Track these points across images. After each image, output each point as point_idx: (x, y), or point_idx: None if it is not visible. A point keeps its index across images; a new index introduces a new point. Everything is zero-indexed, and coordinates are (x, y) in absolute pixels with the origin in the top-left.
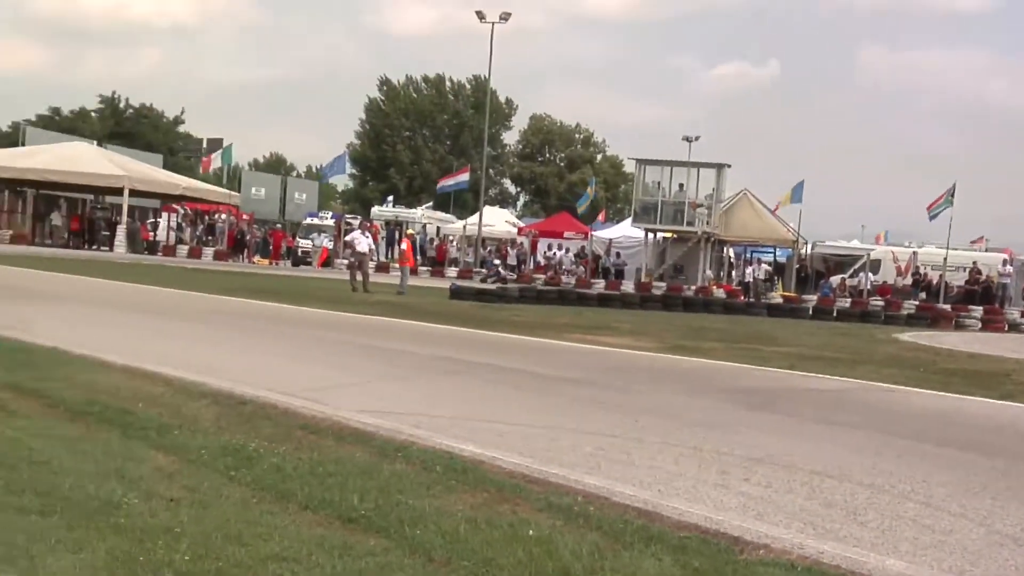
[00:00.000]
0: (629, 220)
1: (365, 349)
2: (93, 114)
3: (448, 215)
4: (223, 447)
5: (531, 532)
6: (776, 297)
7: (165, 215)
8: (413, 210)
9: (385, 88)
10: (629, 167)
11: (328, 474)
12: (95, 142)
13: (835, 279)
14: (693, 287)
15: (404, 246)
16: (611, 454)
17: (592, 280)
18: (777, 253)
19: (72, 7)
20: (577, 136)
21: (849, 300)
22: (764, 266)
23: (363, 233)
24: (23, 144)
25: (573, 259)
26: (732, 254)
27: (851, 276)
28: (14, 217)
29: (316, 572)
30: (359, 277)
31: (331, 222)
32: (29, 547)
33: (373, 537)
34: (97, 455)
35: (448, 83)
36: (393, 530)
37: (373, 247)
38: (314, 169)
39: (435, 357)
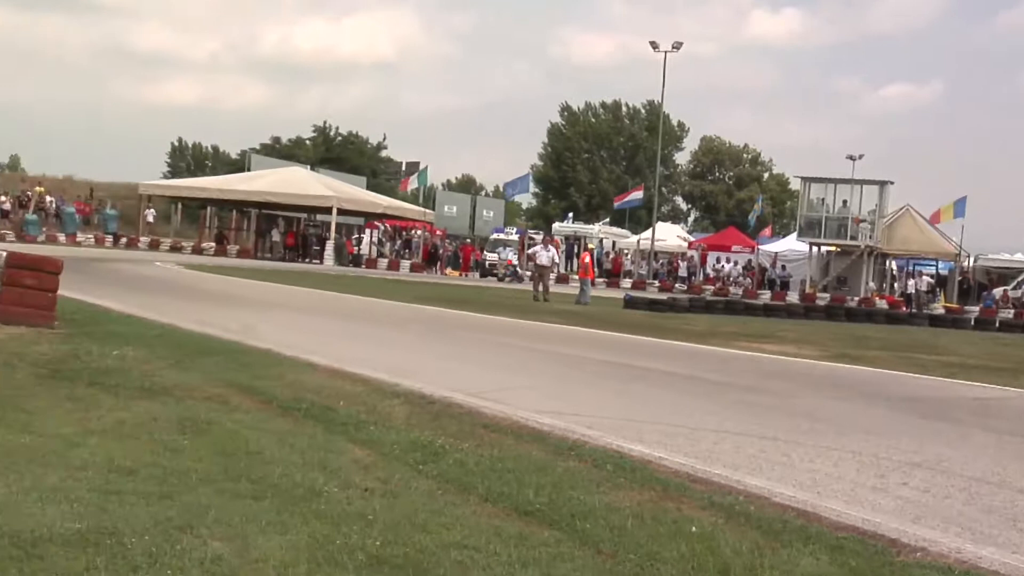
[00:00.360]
0: (794, 234)
1: (545, 354)
2: (308, 142)
3: (623, 230)
4: (413, 442)
5: (694, 528)
6: (939, 308)
7: (368, 231)
8: (591, 226)
9: (566, 113)
10: (795, 185)
11: (506, 470)
12: (309, 166)
13: (998, 291)
14: (856, 298)
15: (585, 259)
16: (772, 456)
17: (759, 291)
18: (939, 266)
19: (291, 50)
20: (745, 156)
21: (1012, 311)
22: (926, 278)
23: (545, 247)
24: (248, 169)
25: (741, 271)
26: (894, 267)
27: (1014, 288)
28: (240, 234)
29: (493, 559)
30: (541, 287)
31: (515, 237)
32: (243, 527)
33: (546, 529)
34: (303, 447)
35: (624, 108)
36: (565, 523)
37: (557, 260)
38: (501, 188)
39: (609, 363)
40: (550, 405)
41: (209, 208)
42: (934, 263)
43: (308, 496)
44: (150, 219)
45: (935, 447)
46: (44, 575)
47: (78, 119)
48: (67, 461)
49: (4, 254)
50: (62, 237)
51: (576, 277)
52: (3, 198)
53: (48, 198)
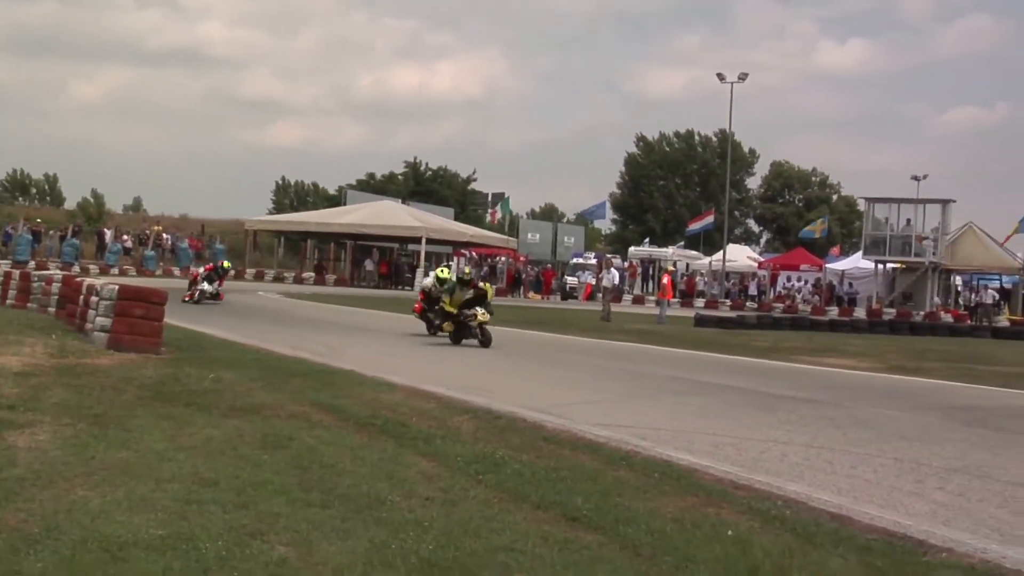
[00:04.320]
0: (860, 253)
1: (610, 371)
2: (399, 176)
3: (696, 252)
4: (476, 455)
5: (730, 532)
6: (1003, 320)
7: (456, 259)
8: (665, 249)
9: (641, 143)
10: (862, 206)
11: (560, 479)
12: (400, 200)
13: None
14: (921, 313)
15: (665, 281)
16: (815, 463)
17: (826, 308)
18: (1004, 280)
19: (386, 90)
20: (814, 179)
21: None
22: (991, 291)
23: (607, 270)
24: (345, 204)
25: (810, 289)
26: (959, 282)
27: None
28: (337, 264)
29: (537, 562)
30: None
31: (594, 261)
32: (309, 534)
33: (591, 533)
34: (373, 460)
35: (696, 136)
36: (608, 528)
37: (615, 282)
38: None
39: (672, 378)
40: (609, 418)
41: (309, 241)
42: (998, 277)
43: (372, 505)
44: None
45: (977, 453)
46: None
47: (193, 162)
48: (157, 474)
49: (116, 287)
50: (177, 271)
51: (655, 298)
52: (125, 237)
53: (164, 235)
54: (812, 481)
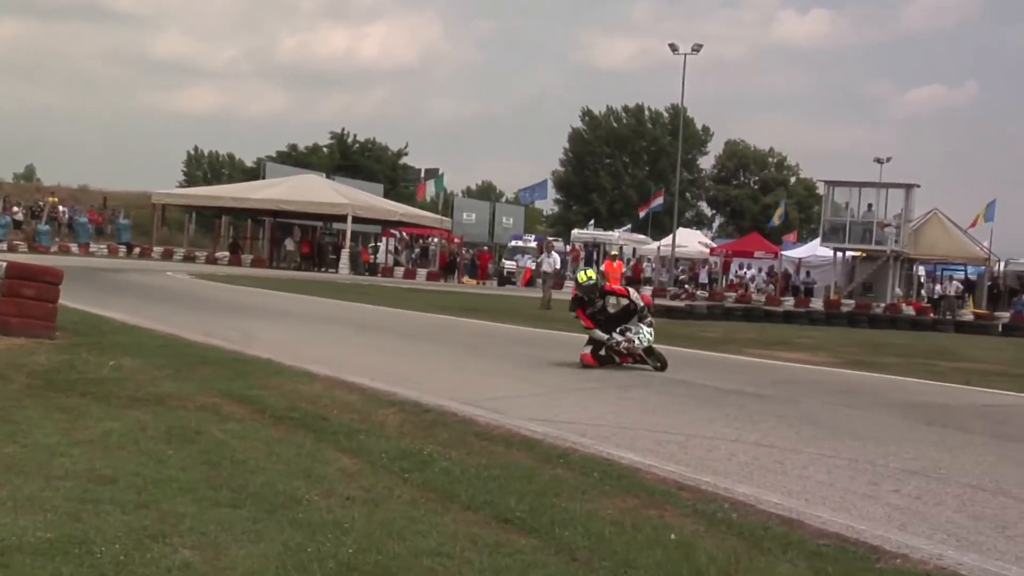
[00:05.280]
0: (818, 240)
1: (548, 363)
2: (324, 149)
3: (644, 236)
4: (402, 451)
5: (673, 536)
6: (967, 314)
7: (384, 239)
8: (610, 232)
9: (587, 118)
10: (822, 190)
11: (492, 477)
12: (324, 174)
13: None
14: (882, 305)
15: (613, 267)
16: (765, 463)
17: (782, 298)
18: (969, 271)
19: (311, 54)
20: (771, 160)
21: None
22: (956, 283)
23: (547, 254)
24: (263, 178)
25: (764, 278)
26: (922, 272)
27: None
28: (255, 243)
29: (466, 567)
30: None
31: (534, 244)
32: (217, 536)
33: (524, 536)
34: (290, 456)
35: (647, 112)
36: (543, 531)
37: (557, 267)
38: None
39: (612, 371)
40: (546, 413)
41: (224, 217)
42: (963, 268)
43: (287, 504)
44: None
45: (935, 454)
46: None
47: (93, 128)
48: (47, 471)
49: (3, 264)
50: (75, 247)
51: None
52: (16, 208)
53: (61, 208)
54: (761, 482)
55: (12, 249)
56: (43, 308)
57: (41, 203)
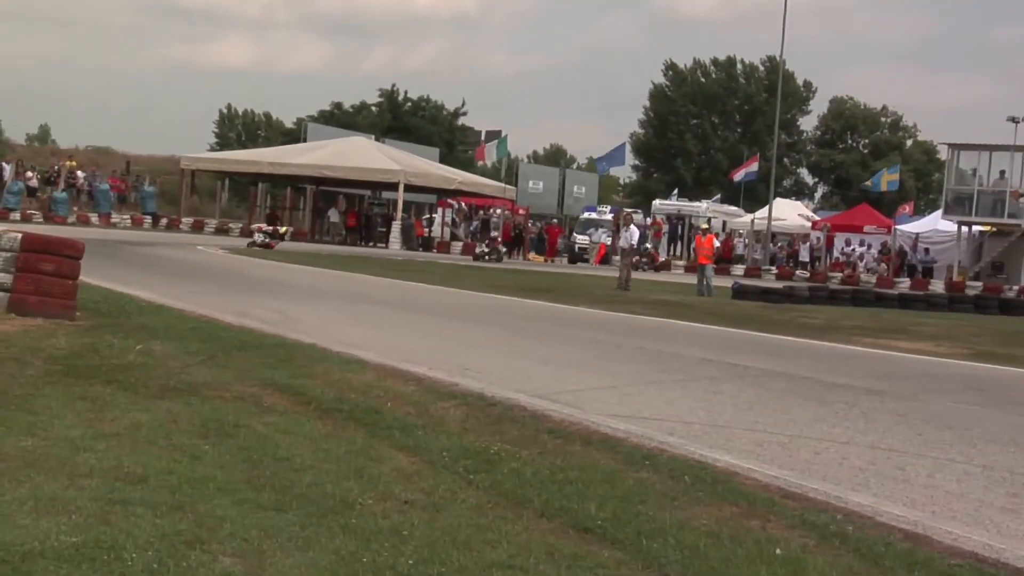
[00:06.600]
0: (939, 212)
1: (632, 351)
2: (372, 108)
3: (736, 208)
4: (465, 449)
5: (778, 551)
6: None
7: (440, 210)
8: (697, 203)
9: (671, 73)
10: (944, 154)
11: (568, 481)
12: (373, 137)
13: None
14: (1015, 288)
15: (705, 242)
16: (883, 469)
17: (896, 279)
18: None
19: (355, 1)
20: (884, 120)
21: None
22: None
23: (626, 228)
24: (304, 140)
25: (876, 256)
26: None
27: None
28: (295, 214)
29: None
30: (621, 275)
31: (609, 217)
32: (260, 543)
33: (607, 548)
34: (339, 453)
35: (739, 66)
36: (629, 542)
37: (633, 243)
38: (594, 161)
39: (704, 360)
40: (628, 408)
41: (260, 184)
42: None
43: (338, 508)
44: None
45: None
46: None
47: (115, 84)
48: (71, 468)
49: (19, 236)
50: (95, 217)
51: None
52: (30, 174)
53: (79, 173)
54: (879, 491)
55: (26, 219)
56: (62, 285)
57: (57, 168)
